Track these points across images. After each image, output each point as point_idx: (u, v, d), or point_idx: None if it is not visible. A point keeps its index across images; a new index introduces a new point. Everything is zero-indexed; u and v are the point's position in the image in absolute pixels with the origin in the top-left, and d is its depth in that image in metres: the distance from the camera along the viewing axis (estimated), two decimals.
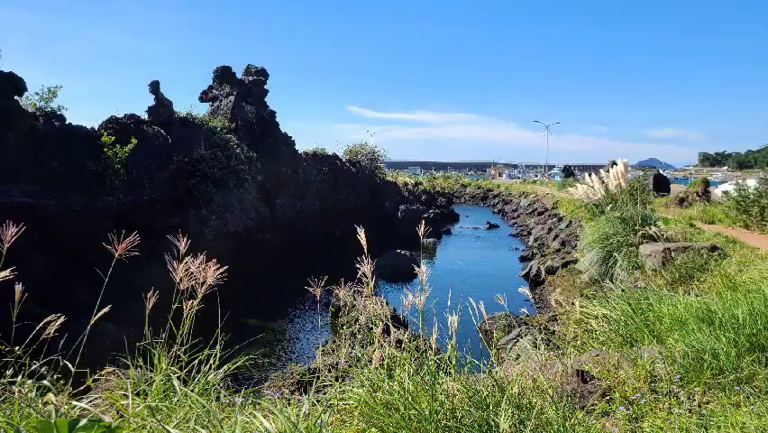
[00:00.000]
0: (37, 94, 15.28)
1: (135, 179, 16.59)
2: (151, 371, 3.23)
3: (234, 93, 23.50)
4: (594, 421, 3.65)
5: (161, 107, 18.72)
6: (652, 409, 3.93)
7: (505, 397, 3.06)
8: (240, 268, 9.38)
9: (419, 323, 3.54)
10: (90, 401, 2.84)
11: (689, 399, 4.05)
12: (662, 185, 31.76)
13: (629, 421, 3.83)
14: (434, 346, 3.43)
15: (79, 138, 15.57)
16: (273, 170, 23.95)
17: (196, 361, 3.38)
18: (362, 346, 5.67)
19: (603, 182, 14.57)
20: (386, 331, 4.23)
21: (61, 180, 14.68)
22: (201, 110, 23.07)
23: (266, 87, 25.28)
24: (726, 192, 19.99)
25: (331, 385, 3.52)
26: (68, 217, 14.17)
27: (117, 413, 2.71)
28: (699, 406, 3.98)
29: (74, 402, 2.64)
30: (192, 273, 3.42)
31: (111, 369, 3.58)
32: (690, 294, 7.05)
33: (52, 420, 1.47)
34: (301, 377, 6.91)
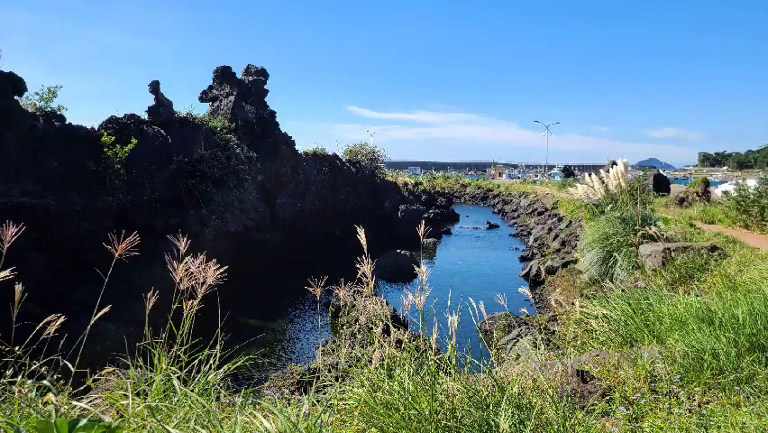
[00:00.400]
0: (37, 94, 15.30)
1: (135, 179, 16.60)
2: (151, 371, 3.23)
3: (234, 93, 23.50)
4: (594, 421, 3.65)
5: (161, 107, 18.72)
6: (652, 410, 3.93)
7: (505, 397, 3.06)
8: (240, 268, 9.38)
9: (419, 323, 3.54)
10: (90, 401, 2.84)
11: (689, 399, 4.05)
12: (662, 185, 31.77)
13: (629, 421, 3.83)
14: (434, 346, 3.43)
15: (79, 138, 15.58)
16: (273, 170, 23.96)
17: (196, 361, 3.38)
18: (362, 346, 5.67)
19: (603, 182, 14.58)
20: (386, 331, 4.23)
21: (61, 180, 14.69)
22: (201, 110, 23.10)
23: (266, 87, 25.28)
24: (726, 192, 19.99)
25: (331, 385, 3.51)
26: (68, 217, 14.17)
27: (117, 413, 2.70)
28: (699, 406, 3.98)
29: (74, 402, 2.64)
30: (192, 273, 3.42)
31: (111, 369, 3.58)
32: (690, 294, 7.05)
33: (52, 420, 1.47)
34: (301, 377, 6.91)
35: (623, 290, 7.72)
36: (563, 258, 17.92)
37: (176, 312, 3.45)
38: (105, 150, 15.53)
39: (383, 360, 3.39)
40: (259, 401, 3.09)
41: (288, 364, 10.16)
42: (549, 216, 31.57)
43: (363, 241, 3.72)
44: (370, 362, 3.43)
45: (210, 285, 3.44)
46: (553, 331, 8.11)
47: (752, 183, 15.73)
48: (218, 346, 3.45)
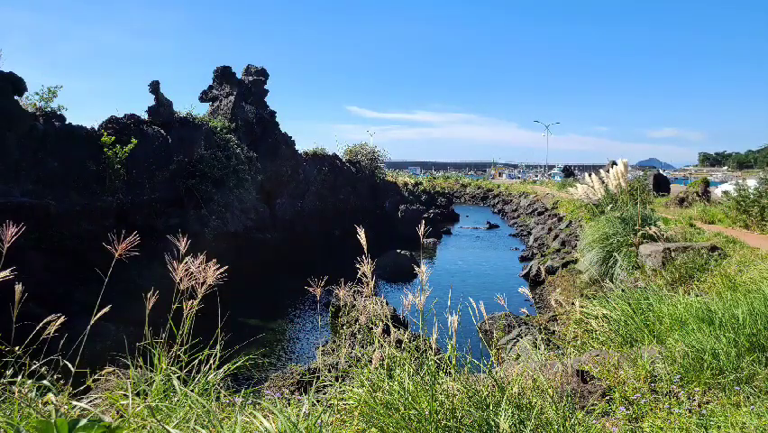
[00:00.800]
0: (37, 94, 15.32)
1: (135, 179, 16.60)
2: (151, 371, 3.23)
3: (234, 93, 23.50)
4: (594, 421, 3.65)
5: (161, 107, 18.72)
6: (652, 409, 3.93)
7: (505, 397, 3.06)
8: (240, 268, 9.39)
9: (419, 323, 3.54)
10: (90, 401, 2.84)
11: (689, 399, 4.05)
12: (662, 185, 31.76)
13: (629, 421, 3.83)
14: (434, 346, 3.43)
15: (79, 138, 15.58)
16: (273, 170, 23.96)
17: (196, 361, 3.38)
18: (362, 346, 5.67)
19: (603, 182, 14.58)
20: (386, 331, 4.23)
21: (61, 180, 14.69)
22: (201, 110, 23.12)
23: (266, 86, 25.28)
24: (726, 192, 19.97)
25: (331, 385, 3.51)
26: (68, 217, 14.18)
27: (117, 413, 2.70)
28: (699, 406, 3.98)
29: (74, 402, 2.64)
30: (192, 273, 3.42)
31: (111, 369, 3.58)
32: (690, 294, 7.05)
33: (52, 420, 1.47)
34: (301, 377, 6.91)
35: (623, 290, 7.72)
36: (563, 258, 17.91)
37: (176, 312, 3.45)
38: (105, 150, 15.53)
39: (383, 360, 3.39)
40: (259, 401, 3.09)
41: (288, 364, 10.16)
42: (549, 216, 31.57)
43: (363, 241, 3.72)
44: (370, 362, 3.43)
45: (210, 285, 3.43)
46: (553, 331, 8.11)
47: (752, 183, 15.71)
48: (218, 346, 3.45)
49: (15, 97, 14.21)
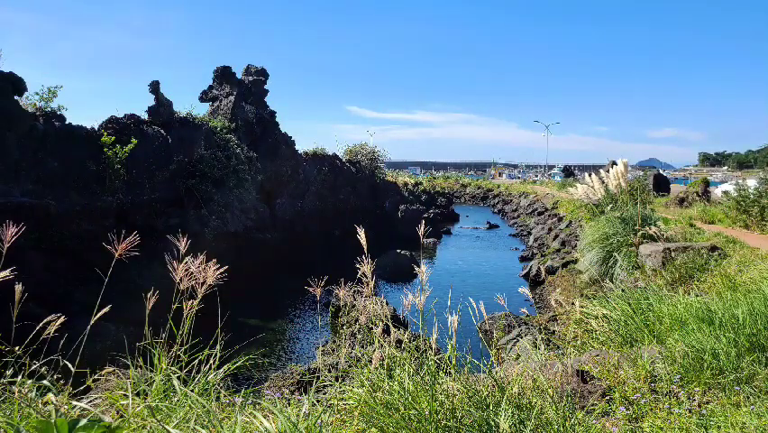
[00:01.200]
0: (37, 94, 15.32)
1: (135, 179, 16.60)
2: (151, 371, 3.23)
3: (234, 93, 23.50)
4: (594, 421, 3.65)
5: (161, 107, 18.72)
6: (652, 409, 3.93)
7: (505, 397, 3.06)
8: (240, 268, 9.39)
9: (419, 323, 3.54)
10: (90, 401, 2.84)
11: (689, 399, 4.05)
12: (662, 185, 31.76)
13: (629, 421, 3.83)
14: (434, 346, 3.43)
15: (79, 138, 15.58)
16: (273, 170, 23.95)
17: (196, 361, 3.38)
18: (362, 346, 5.67)
19: (603, 182, 14.58)
20: (386, 331, 4.23)
21: (61, 180, 14.69)
22: (201, 110, 23.12)
23: (266, 86, 25.28)
24: (726, 192, 19.95)
25: (331, 385, 3.51)
26: (68, 217, 14.17)
27: (117, 413, 2.70)
28: (699, 406, 3.98)
29: (74, 402, 2.64)
30: (192, 273, 3.42)
31: (111, 369, 3.58)
32: (690, 294, 7.05)
33: (52, 420, 1.47)
34: (301, 377, 6.91)
35: (623, 290, 7.72)
36: (563, 258, 17.91)
37: (176, 312, 3.45)
38: (105, 150, 15.53)
39: (383, 360, 3.39)
40: (259, 401, 3.08)
41: (288, 364, 10.16)
42: (549, 216, 31.57)
43: (363, 241, 3.72)
44: (370, 362, 3.42)
45: (210, 285, 3.43)
46: (553, 331, 8.11)
47: (752, 183, 15.71)
48: (218, 346, 3.45)
49: (15, 97, 14.22)
